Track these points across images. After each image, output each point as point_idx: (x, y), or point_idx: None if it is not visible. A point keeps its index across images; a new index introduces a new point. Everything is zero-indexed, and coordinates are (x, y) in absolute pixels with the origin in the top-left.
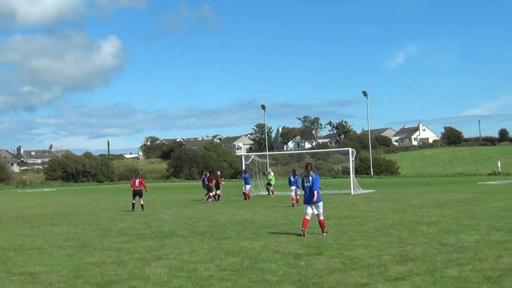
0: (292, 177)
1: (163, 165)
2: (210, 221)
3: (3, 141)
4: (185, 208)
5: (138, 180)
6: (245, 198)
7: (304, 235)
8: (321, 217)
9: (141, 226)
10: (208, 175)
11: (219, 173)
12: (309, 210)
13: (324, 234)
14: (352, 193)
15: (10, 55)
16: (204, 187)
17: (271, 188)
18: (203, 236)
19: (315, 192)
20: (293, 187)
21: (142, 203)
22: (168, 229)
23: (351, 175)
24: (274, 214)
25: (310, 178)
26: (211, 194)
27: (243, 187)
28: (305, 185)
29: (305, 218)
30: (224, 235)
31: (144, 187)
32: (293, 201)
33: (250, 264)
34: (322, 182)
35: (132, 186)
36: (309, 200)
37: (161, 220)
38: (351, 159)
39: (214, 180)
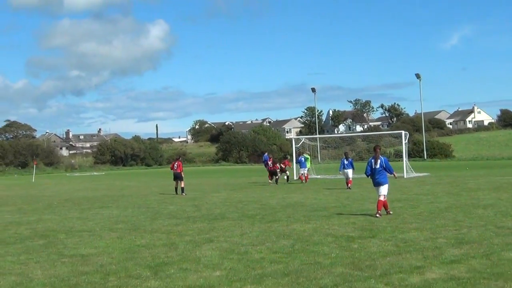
0: (345, 160)
1: (212, 149)
2: (260, 204)
3: (52, 125)
4: (234, 191)
5: (176, 164)
6: (302, 182)
7: (379, 216)
8: (383, 197)
9: (190, 209)
10: (271, 158)
11: (288, 157)
12: (378, 191)
13: (377, 215)
14: (405, 176)
15: (58, 40)
16: (267, 170)
17: (305, 173)
18: (254, 219)
19: (394, 174)
20: (349, 170)
21: (182, 185)
22: (218, 212)
23: (404, 158)
24: (325, 197)
25: (379, 161)
26: (278, 176)
27: (301, 171)
28: (373, 167)
29: (378, 200)
30: (275, 218)
31: (181, 170)
32: (349, 184)
33: (301, 246)
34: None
35: (171, 169)
36: (378, 182)
37: (211, 203)
38: (404, 142)
39: (281, 164)
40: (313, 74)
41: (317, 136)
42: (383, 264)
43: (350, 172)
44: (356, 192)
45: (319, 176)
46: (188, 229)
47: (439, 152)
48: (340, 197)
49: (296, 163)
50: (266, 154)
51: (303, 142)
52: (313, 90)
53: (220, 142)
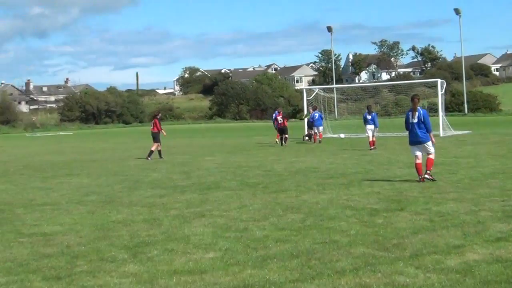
0: (367, 114)
1: (205, 102)
2: (264, 170)
3: (9, 74)
4: (232, 154)
5: (152, 122)
6: (316, 141)
7: (421, 180)
8: (432, 156)
9: (178, 177)
10: (281, 113)
11: (311, 110)
12: (418, 151)
13: (426, 176)
14: (441, 135)
15: None
16: (275, 128)
17: (319, 133)
18: (256, 188)
19: (430, 134)
20: (370, 127)
21: (153, 148)
22: (212, 180)
23: (440, 113)
24: (344, 161)
25: (417, 113)
26: (286, 135)
27: (314, 129)
28: (410, 121)
29: (416, 163)
30: (281, 187)
31: (158, 130)
32: (372, 146)
33: (314, 222)
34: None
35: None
36: (416, 140)
37: (203, 169)
38: (439, 93)
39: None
40: (329, 10)
41: (334, 86)
42: (414, 242)
43: (373, 129)
44: (381, 154)
45: (335, 135)
46: (175, 201)
47: (483, 105)
48: (361, 160)
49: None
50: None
51: (316, 93)
52: (329, 29)
53: (214, 94)
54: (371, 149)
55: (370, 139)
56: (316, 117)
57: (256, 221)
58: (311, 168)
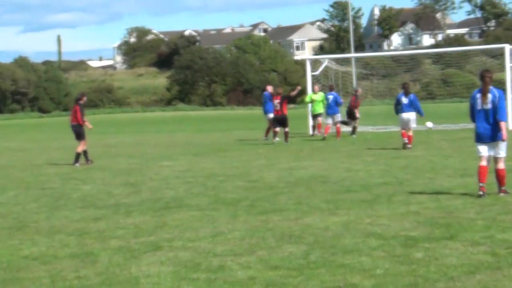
0: (403, 96)
1: (160, 80)
2: (248, 180)
3: None
4: (202, 157)
5: (73, 110)
6: (323, 138)
7: (483, 194)
8: (502, 165)
9: (121, 191)
10: (279, 94)
11: (359, 90)
12: (485, 151)
13: (501, 194)
14: (510, 127)
15: None
16: (266, 113)
17: (320, 122)
18: (236, 207)
19: (502, 124)
20: (409, 115)
21: (78, 150)
22: (171, 196)
23: (509, 95)
24: (367, 167)
25: (490, 96)
26: (287, 129)
27: (328, 120)
28: (478, 108)
29: (480, 165)
30: (274, 205)
31: (79, 122)
32: (405, 138)
33: (322, 257)
34: (454, 107)
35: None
36: (487, 134)
37: (159, 179)
38: (508, 65)
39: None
40: None
41: (352, 55)
42: (470, 286)
43: (411, 118)
44: (421, 156)
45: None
46: (117, 226)
47: None
48: (392, 166)
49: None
50: (268, 91)
51: (326, 66)
52: None
53: (174, 68)
54: (406, 146)
55: (409, 133)
56: (330, 101)
57: (237, 255)
58: (318, 177)
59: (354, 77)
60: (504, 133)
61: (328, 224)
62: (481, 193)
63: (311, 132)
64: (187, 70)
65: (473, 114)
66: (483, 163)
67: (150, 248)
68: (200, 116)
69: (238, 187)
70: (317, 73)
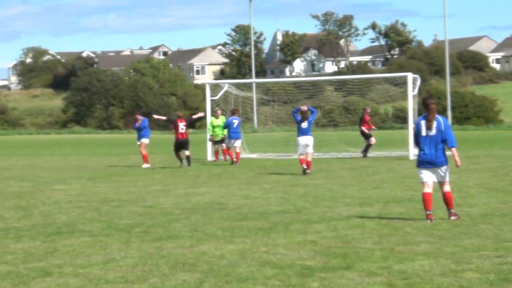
0: (299, 118)
1: (56, 102)
2: (143, 205)
3: None
4: (96, 181)
5: None
6: (232, 162)
7: (431, 222)
8: (448, 188)
9: (11, 215)
10: (183, 118)
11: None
12: (429, 176)
13: (452, 218)
14: (411, 158)
15: None
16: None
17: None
18: (130, 233)
19: (454, 150)
20: (306, 138)
21: None
22: (63, 220)
23: (410, 124)
24: (265, 194)
25: (436, 123)
26: (188, 152)
27: (228, 142)
28: (424, 134)
29: (425, 192)
30: (169, 232)
31: None
32: (304, 165)
33: (216, 285)
34: (355, 135)
35: None
36: (430, 160)
37: (51, 203)
38: (410, 94)
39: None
40: None
41: (254, 80)
42: None
43: (309, 143)
44: (320, 185)
45: (254, 155)
46: (6, 251)
47: (475, 113)
48: (291, 193)
49: (223, 128)
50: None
51: (226, 91)
52: None
53: (71, 89)
54: (304, 172)
55: (308, 158)
56: (235, 125)
57: (129, 283)
58: (215, 203)
59: (254, 103)
60: (457, 159)
61: (224, 252)
62: (429, 221)
63: (209, 157)
64: (84, 92)
65: (418, 140)
66: (428, 190)
67: (40, 274)
68: (96, 139)
69: (132, 213)
70: (216, 97)
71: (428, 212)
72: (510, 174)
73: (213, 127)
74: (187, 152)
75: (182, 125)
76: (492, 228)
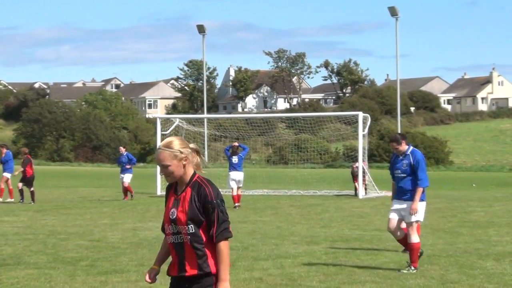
0: (229, 153)
1: (7, 133)
2: (90, 239)
3: None
4: (43, 213)
5: None
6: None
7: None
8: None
9: None
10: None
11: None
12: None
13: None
14: (360, 196)
15: None
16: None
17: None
18: (76, 266)
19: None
20: (237, 174)
21: None
22: (9, 252)
23: (360, 164)
24: None
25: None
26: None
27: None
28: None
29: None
30: (115, 266)
31: None
32: (236, 201)
33: None
34: (305, 173)
35: None
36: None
37: None
38: (361, 133)
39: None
40: (202, 0)
41: (205, 116)
42: None
43: (239, 178)
44: (269, 222)
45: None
46: None
47: (426, 153)
48: (239, 230)
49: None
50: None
51: (177, 125)
52: (201, 29)
53: (22, 120)
54: (235, 206)
55: (234, 193)
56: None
57: None
58: (162, 239)
59: (205, 138)
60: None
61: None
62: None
63: (159, 192)
64: (35, 124)
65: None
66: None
67: None
68: (46, 171)
69: (79, 246)
70: (167, 132)
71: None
72: (458, 216)
73: None
74: (32, 188)
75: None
76: (438, 269)
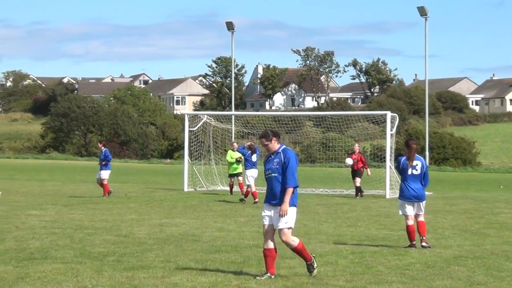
0: (246, 150)
1: (35, 127)
2: (117, 234)
3: None
4: (71, 208)
5: None
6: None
7: (413, 246)
8: (423, 217)
9: None
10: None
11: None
12: (410, 209)
13: (424, 244)
14: (387, 196)
15: None
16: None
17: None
18: (102, 262)
19: (289, 191)
20: (252, 171)
21: None
22: (36, 246)
23: (388, 163)
24: (239, 228)
25: (418, 163)
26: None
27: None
28: (408, 173)
29: (409, 225)
30: (141, 261)
31: None
32: (256, 199)
33: None
34: (333, 172)
35: None
36: (413, 195)
37: (25, 228)
38: (388, 133)
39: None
40: None
41: (233, 112)
42: None
43: (256, 175)
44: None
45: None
46: None
47: (454, 154)
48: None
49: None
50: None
51: (204, 122)
52: (230, 26)
53: (50, 114)
54: (256, 202)
55: (254, 189)
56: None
57: None
58: (189, 235)
59: (233, 135)
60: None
61: (195, 284)
62: (412, 249)
63: (186, 188)
64: (63, 118)
65: (403, 174)
66: (410, 222)
67: None
68: (74, 165)
69: (106, 241)
70: (195, 128)
71: (413, 243)
72: (485, 217)
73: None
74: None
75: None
76: (465, 271)
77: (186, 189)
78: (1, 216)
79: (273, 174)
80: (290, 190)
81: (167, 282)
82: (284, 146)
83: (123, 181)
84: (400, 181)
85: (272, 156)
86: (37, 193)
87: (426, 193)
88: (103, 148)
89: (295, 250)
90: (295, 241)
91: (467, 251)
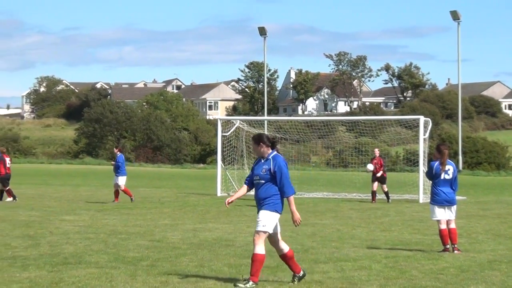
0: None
1: (69, 132)
2: (151, 239)
3: None
4: (105, 213)
5: None
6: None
7: (447, 250)
8: (454, 224)
9: (19, 243)
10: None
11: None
12: (442, 214)
13: (456, 251)
14: (421, 201)
15: None
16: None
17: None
18: (136, 266)
19: (291, 200)
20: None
21: None
22: (70, 251)
23: (421, 167)
24: None
25: (449, 167)
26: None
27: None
28: (441, 178)
29: (442, 229)
30: (175, 266)
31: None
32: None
33: None
34: (366, 177)
35: None
36: (447, 199)
37: (59, 233)
38: (421, 137)
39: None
40: (265, 3)
41: (265, 118)
42: None
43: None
44: (329, 224)
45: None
46: (11, 280)
47: (487, 158)
48: (299, 232)
49: None
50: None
51: (237, 127)
52: (262, 31)
53: (84, 120)
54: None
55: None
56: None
57: None
58: (223, 240)
59: None
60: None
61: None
62: (447, 253)
63: (219, 193)
64: (96, 123)
65: (435, 177)
66: (443, 226)
67: None
68: (107, 170)
69: (139, 246)
70: (228, 133)
71: (447, 247)
72: None
73: None
74: (8, 187)
75: (8, 160)
76: (499, 275)
77: (219, 194)
78: (35, 221)
79: (261, 181)
80: (291, 199)
81: (201, 287)
82: (275, 153)
83: (157, 186)
84: (431, 186)
85: (262, 161)
86: (70, 198)
87: (459, 198)
88: (118, 153)
89: (254, 256)
90: (261, 249)
91: (501, 255)
